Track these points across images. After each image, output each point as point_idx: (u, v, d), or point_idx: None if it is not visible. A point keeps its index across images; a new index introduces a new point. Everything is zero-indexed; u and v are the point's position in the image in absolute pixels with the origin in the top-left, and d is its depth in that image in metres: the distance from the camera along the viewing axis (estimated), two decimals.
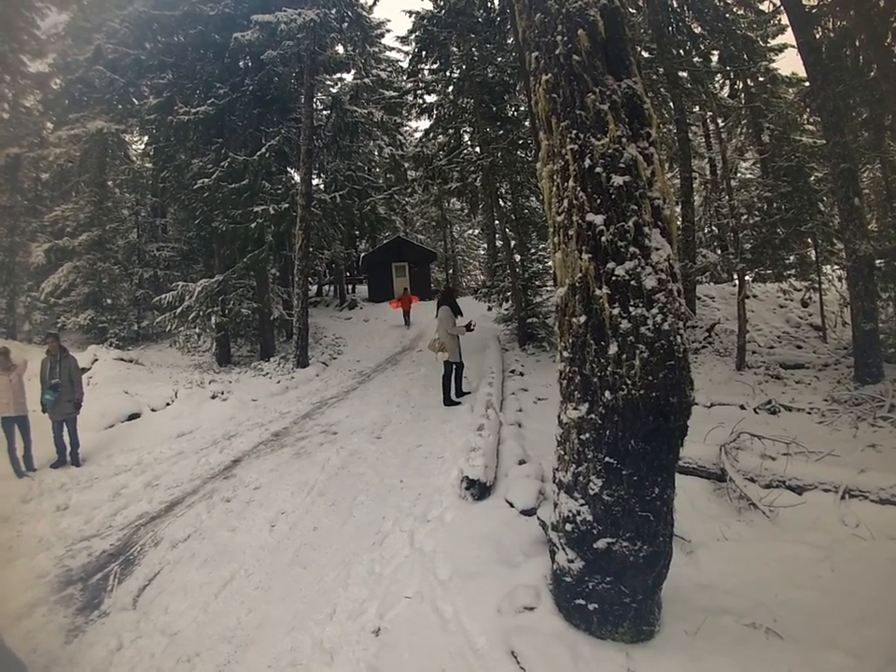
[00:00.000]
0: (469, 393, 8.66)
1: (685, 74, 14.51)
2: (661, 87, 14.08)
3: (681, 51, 14.26)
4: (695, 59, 14.51)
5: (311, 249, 15.10)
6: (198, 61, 14.47)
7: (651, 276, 2.55)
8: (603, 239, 2.57)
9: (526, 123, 14.08)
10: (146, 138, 18.24)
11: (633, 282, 2.54)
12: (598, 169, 2.59)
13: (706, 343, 11.81)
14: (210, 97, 13.83)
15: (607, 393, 2.56)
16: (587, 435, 2.67)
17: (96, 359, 11.68)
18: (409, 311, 20.65)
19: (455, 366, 8.54)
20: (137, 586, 4.08)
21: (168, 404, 10.06)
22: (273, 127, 14.33)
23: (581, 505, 2.74)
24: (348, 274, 28.40)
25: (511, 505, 4.24)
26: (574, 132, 2.66)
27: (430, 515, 4.52)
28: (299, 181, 14.35)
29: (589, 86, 2.66)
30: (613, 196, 2.57)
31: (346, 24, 14.97)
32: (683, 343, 2.60)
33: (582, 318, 2.64)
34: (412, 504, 4.87)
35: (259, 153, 13.38)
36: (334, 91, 18.91)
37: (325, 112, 16.73)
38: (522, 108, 15.19)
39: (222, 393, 10.88)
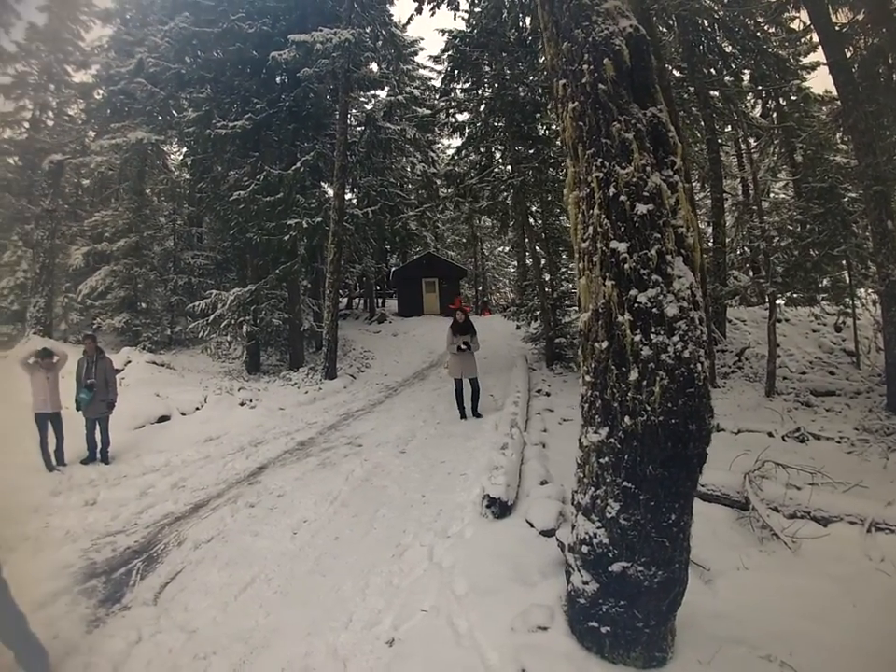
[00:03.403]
0: (464, 418, 8.68)
1: (716, 93, 14.35)
2: (692, 106, 13.97)
3: (712, 70, 14.10)
4: (726, 78, 14.31)
5: (342, 263, 15.21)
6: (236, 76, 14.85)
7: (673, 304, 2.58)
8: (626, 266, 2.61)
9: (558, 142, 14.11)
10: (184, 149, 18.68)
11: (655, 309, 2.58)
12: (623, 197, 2.64)
13: (735, 368, 11.60)
14: (247, 112, 14.17)
15: (626, 418, 2.59)
16: (606, 459, 2.70)
17: (129, 361, 11.99)
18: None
19: (457, 382, 8.72)
20: (159, 583, 4.19)
21: (197, 409, 10.28)
22: (307, 142, 14.62)
23: (598, 528, 2.75)
24: (378, 288, 28.45)
25: (531, 525, 4.24)
26: (600, 160, 2.72)
27: (451, 531, 4.54)
28: (332, 196, 14.56)
29: (614, 115, 2.71)
30: (637, 224, 2.62)
31: (380, 43, 15.30)
32: (703, 370, 2.63)
33: (605, 344, 2.68)
34: (432, 519, 4.90)
35: (293, 168, 13.61)
36: (368, 107, 19.21)
37: (359, 128, 16.99)
38: (553, 127, 15.22)
39: (251, 401, 11.05)
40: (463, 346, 8.59)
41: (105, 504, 5.98)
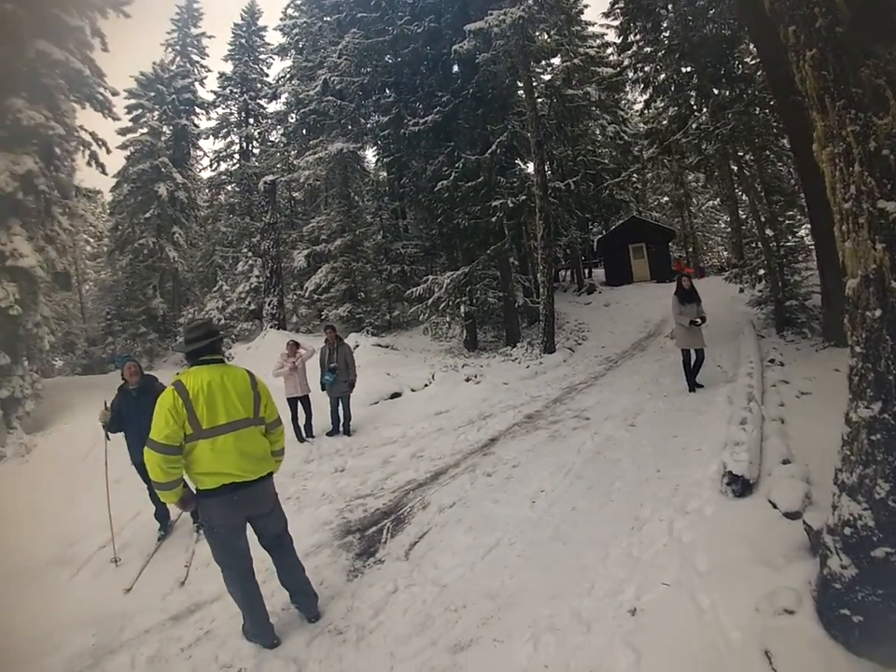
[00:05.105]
0: (701, 386, 8.19)
1: None
2: None
3: None
4: None
5: (551, 237, 15.09)
6: (415, 75, 15.69)
7: None
8: None
9: (757, 76, 12.46)
10: (377, 152, 20.12)
11: None
12: (885, 151, 2.35)
13: None
14: (434, 106, 14.84)
15: None
16: (878, 436, 2.47)
17: (357, 345, 13.29)
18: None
19: (684, 353, 8.27)
20: (408, 541, 4.63)
21: (426, 385, 11.14)
22: (497, 124, 14.75)
23: (864, 509, 2.53)
24: (583, 258, 27.46)
25: (774, 506, 3.94)
26: (853, 111, 2.44)
27: (689, 507, 4.39)
28: (532, 172, 14.65)
29: (860, 59, 2.40)
30: None
31: (546, 12, 14.84)
32: None
33: (878, 312, 2.43)
34: (670, 494, 4.74)
35: (489, 151, 13.89)
36: (546, 78, 18.94)
37: (539, 100, 16.82)
38: (747, 60, 13.41)
39: (475, 376, 11.62)
40: (698, 321, 8.15)
41: (352, 471, 6.79)
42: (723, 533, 3.83)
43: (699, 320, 8.18)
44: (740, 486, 4.34)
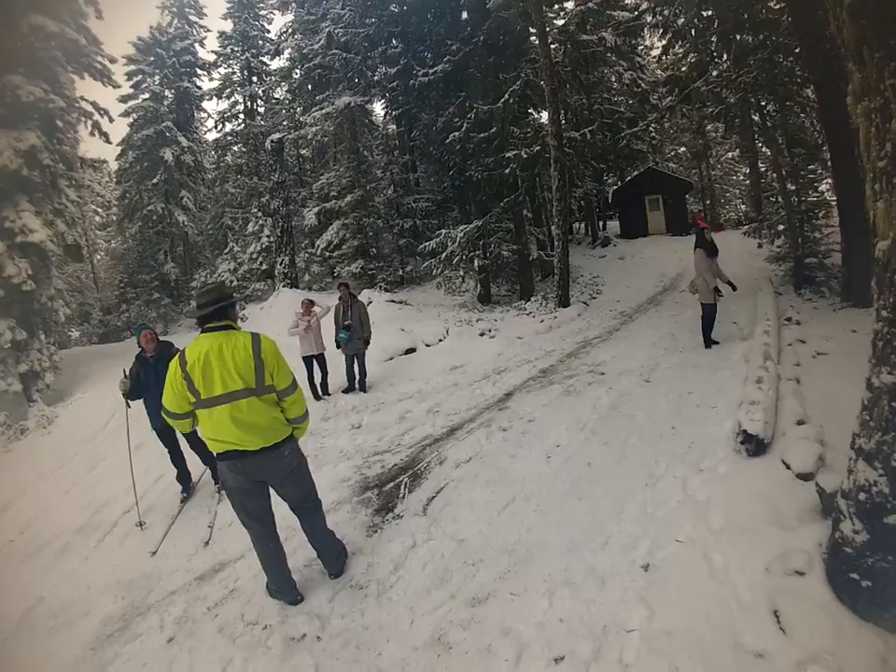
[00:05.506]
0: (717, 343, 8.06)
1: None
2: None
3: None
4: None
5: (566, 188, 14.61)
6: (422, 24, 15.20)
7: None
8: None
9: (784, 20, 11.84)
10: (385, 105, 19.68)
11: None
12: None
13: None
14: (444, 55, 14.38)
15: None
16: None
17: (370, 301, 13.36)
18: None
19: (707, 307, 8.08)
20: (426, 496, 4.71)
21: (440, 340, 11.17)
22: (510, 72, 14.24)
23: (880, 476, 2.53)
24: (598, 210, 26.70)
25: (788, 466, 3.94)
26: (893, 63, 2.31)
27: (703, 465, 4.40)
28: (547, 122, 14.14)
29: None
30: None
31: None
32: None
33: None
34: (684, 451, 4.75)
35: (502, 100, 13.46)
36: (559, 23, 18.19)
37: (553, 46, 16.19)
38: (772, 4, 12.68)
39: (490, 331, 11.63)
40: (722, 293, 8.07)
41: (369, 427, 6.85)
42: (737, 492, 3.86)
43: (730, 286, 8.18)
44: (754, 446, 4.34)
